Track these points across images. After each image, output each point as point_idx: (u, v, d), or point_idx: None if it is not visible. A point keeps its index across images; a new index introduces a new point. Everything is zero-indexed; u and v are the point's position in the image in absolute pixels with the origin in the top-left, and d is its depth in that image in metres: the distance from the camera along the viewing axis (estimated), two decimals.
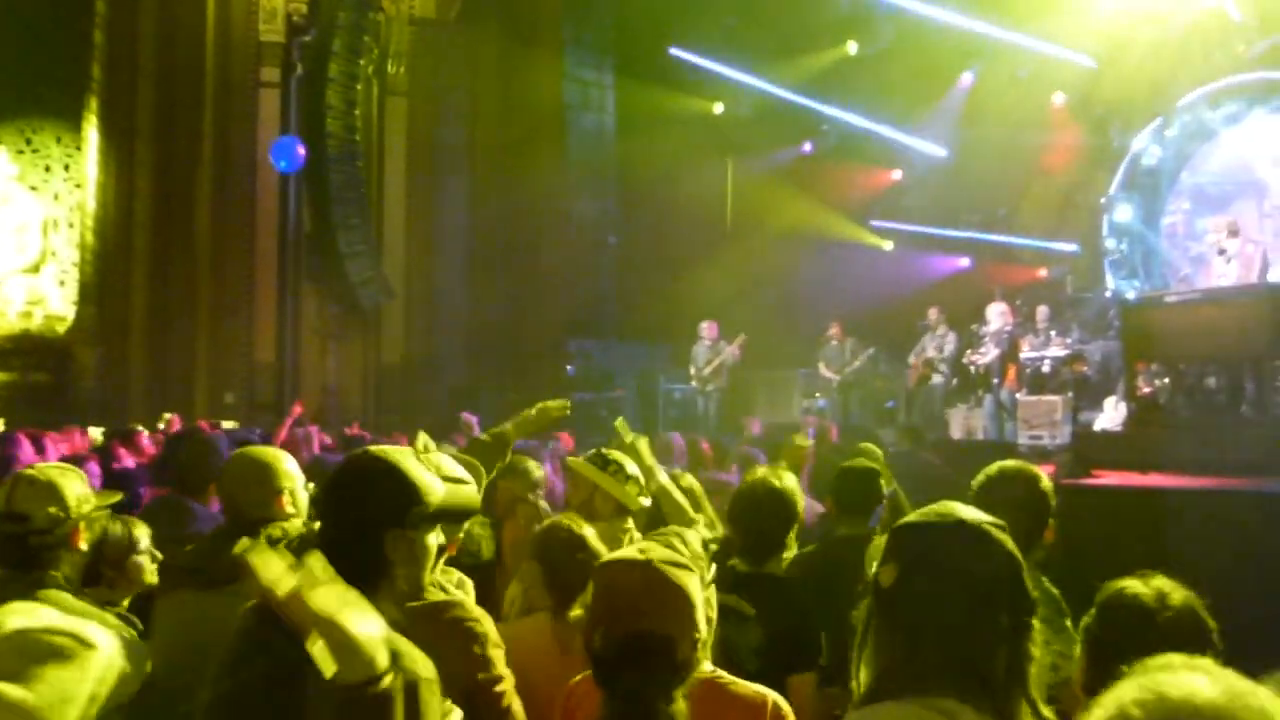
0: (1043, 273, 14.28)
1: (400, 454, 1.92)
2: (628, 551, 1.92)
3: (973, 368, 10.62)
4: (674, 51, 13.95)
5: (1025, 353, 10.71)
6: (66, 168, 11.37)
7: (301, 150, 8.99)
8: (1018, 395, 10.50)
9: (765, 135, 15.13)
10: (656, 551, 1.88)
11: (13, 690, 1.79)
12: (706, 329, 11.92)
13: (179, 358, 10.74)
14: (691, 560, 2.07)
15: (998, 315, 10.49)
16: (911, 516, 1.49)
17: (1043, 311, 11.38)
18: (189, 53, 10.93)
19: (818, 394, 12.12)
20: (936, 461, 6.34)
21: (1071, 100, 13.69)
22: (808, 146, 15.75)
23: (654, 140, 13.85)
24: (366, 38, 11.58)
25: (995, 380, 10.22)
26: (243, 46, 11.26)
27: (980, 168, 14.26)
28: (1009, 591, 1.42)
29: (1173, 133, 13.23)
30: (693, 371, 11.87)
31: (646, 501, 3.39)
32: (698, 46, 14.09)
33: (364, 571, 1.78)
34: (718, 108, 15.12)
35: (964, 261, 14.91)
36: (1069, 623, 2.17)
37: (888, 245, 15.40)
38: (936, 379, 11.15)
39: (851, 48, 14.44)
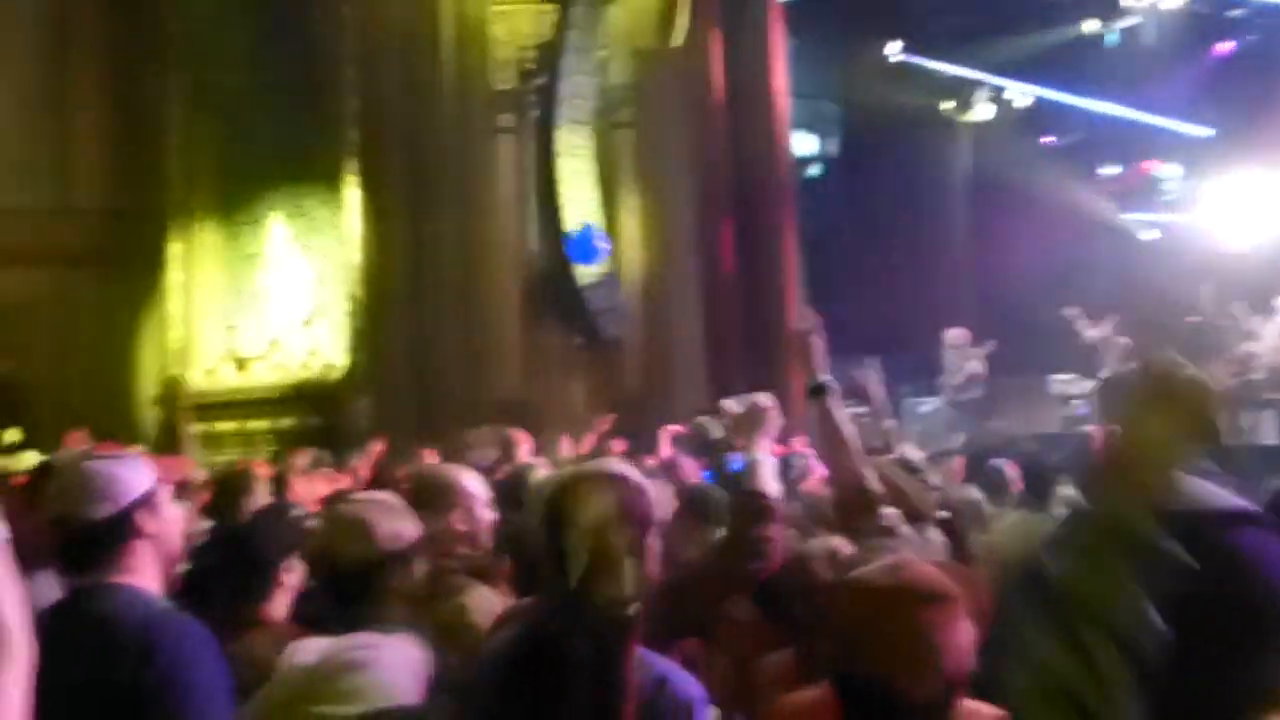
0: None
1: None
2: (867, 571, 1.74)
3: None
4: (896, 56, 13.61)
5: None
6: (332, 226, 12.38)
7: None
8: None
9: (1003, 131, 14.48)
10: (903, 573, 1.64)
11: None
12: (956, 336, 11.45)
13: (438, 398, 11.34)
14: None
15: None
16: None
17: None
18: (430, 108, 11.63)
19: (1077, 400, 11.38)
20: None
21: None
22: (1049, 139, 14.97)
23: (883, 144, 13.55)
24: (594, 77, 11.92)
25: None
26: (480, 97, 11.86)
27: (1261, 144, 12.98)
28: None
29: None
30: (945, 382, 11.43)
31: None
32: (920, 47, 13.69)
33: None
34: (951, 106, 14.61)
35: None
36: None
37: (1153, 234, 14.35)
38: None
39: (1091, 27, 13.63)
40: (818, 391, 3.02)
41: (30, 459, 8.01)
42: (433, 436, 8.38)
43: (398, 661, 1.48)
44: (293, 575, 2.80)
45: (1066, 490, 5.20)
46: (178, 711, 2.02)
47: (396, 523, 2.37)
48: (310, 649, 1.54)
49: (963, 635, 1.57)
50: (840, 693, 1.59)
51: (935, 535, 3.32)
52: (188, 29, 13.58)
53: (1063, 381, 11.75)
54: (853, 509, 2.87)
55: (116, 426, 11.12)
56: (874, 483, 2.92)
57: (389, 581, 2.29)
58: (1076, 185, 14.16)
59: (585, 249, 11.20)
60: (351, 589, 2.28)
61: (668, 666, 1.88)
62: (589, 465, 2.06)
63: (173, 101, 13.61)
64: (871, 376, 3.57)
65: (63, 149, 14.14)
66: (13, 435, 9.99)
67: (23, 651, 1.57)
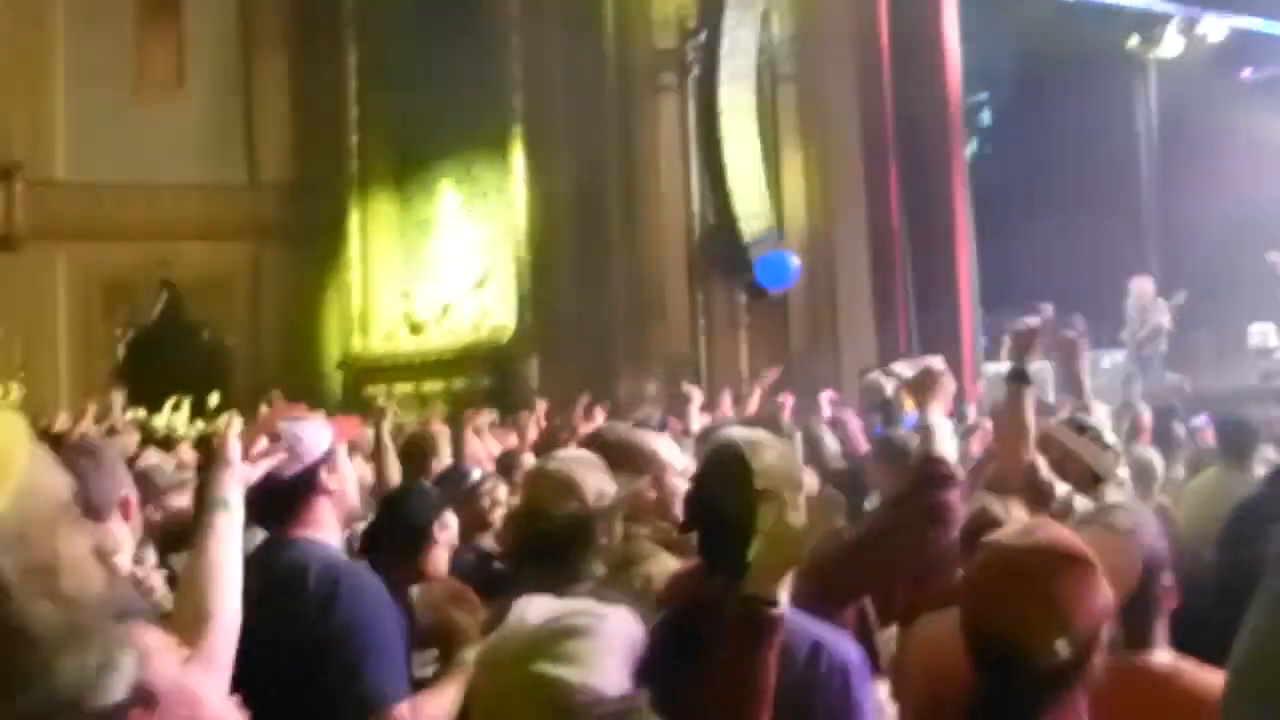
0: None
1: None
2: (1002, 533, 1.76)
3: None
4: None
5: None
6: (499, 191, 12.69)
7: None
8: None
9: (1194, 67, 13.52)
10: (1036, 535, 1.65)
11: None
12: (1141, 286, 10.98)
13: (606, 357, 11.53)
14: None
15: None
16: None
17: None
18: (592, 70, 11.74)
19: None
20: None
21: None
22: (1246, 74, 13.88)
23: (1061, 86, 12.90)
24: (755, 31, 11.75)
25: None
26: (642, 57, 11.89)
27: None
28: None
29: None
30: (1129, 335, 10.97)
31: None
32: None
33: None
34: (1135, 42, 13.74)
35: None
36: None
37: None
38: None
39: None
40: (1018, 379, 3.02)
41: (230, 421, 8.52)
42: (600, 394, 8.52)
43: (619, 633, 1.51)
44: (447, 533, 2.93)
45: (1268, 450, 4.87)
46: (357, 657, 2.15)
47: (602, 481, 2.38)
48: (536, 608, 1.57)
49: (1098, 599, 1.55)
50: (971, 652, 1.59)
51: (1117, 496, 3.19)
52: (360, 8, 14.12)
53: (1263, 332, 11.00)
54: (1020, 494, 2.82)
55: (305, 389, 11.77)
56: (1045, 471, 2.90)
57: (593, 540, 2.32)
58: (1276, 122, 13.13)
59: (778, 271, 11.10)
60: (558, 546, 2.28)
61: (823, 631, 1.86)
62: (740, 437, 2.01)
63: (348, 78, 14.23)
64: (1074, 332, 3.43)
65: (251, 129, 15.01)
66: (214, 399, 10.70)
67: (232, 622, 1.75)
